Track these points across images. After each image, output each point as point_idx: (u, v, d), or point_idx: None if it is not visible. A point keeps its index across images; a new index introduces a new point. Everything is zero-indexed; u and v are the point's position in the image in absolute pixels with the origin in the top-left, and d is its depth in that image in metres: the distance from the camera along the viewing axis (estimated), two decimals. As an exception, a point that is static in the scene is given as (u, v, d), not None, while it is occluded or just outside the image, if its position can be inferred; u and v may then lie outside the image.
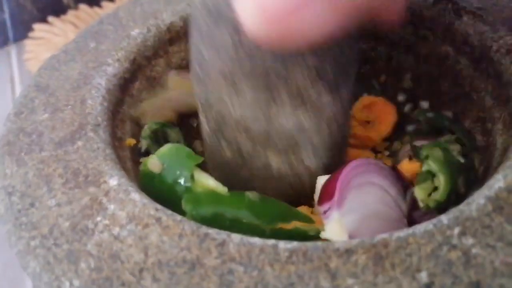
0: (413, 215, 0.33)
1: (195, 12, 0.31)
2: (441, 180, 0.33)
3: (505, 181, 0.27)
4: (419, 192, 0.33)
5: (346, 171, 0.33)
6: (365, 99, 0.42)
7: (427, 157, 0.34)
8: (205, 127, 0.35)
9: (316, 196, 0.34)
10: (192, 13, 0.32)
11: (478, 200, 0.26)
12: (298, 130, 0.33)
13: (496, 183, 0.27)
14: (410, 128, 0.41)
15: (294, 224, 0.31)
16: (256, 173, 0.34)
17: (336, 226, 0.31)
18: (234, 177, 0.35)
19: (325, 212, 0.32)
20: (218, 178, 0.33)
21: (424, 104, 0.41)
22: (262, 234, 0.28)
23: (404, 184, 0.34)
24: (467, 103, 0.38)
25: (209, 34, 0.31)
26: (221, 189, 0.32)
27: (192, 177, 0.32)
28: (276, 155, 0.33)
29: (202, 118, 0.35)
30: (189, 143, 0.40)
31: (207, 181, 0.33)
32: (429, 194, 0.33)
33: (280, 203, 0.33)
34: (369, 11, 0.25)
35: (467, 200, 0.27)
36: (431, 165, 0.34)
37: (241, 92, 0.32)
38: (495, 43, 0.35)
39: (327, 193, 0.33)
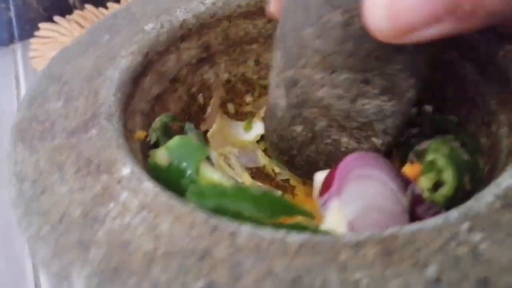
0: (416, 210, 0.33)
1: None
2: (448, 175, 0.33)
3: (513, 180, 0.27)
4: (424, 181, 0.33)
5: (344, 163, 0.33)
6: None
7: (435, 150, 0.34)
8: (280, 101, 0.36)
9: (316, 191, 0.34)
10: None
11: (486, 197, 0.27)
12: (377, 113, 0.34)
13: (505, 181, 0.27)
14: (414, 131, 0.41)
15: (295, 219, 0.32)
16: (323, 148, 0.37)
17: (335, 214, 0.31)
18: (299, 152, 0.38)
19: (324, 203, 0.32)
20: (279, 153, 0.36)
21: (428, 108, 0.41)
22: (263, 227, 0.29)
23: (405, 180, 0.34)
24: (472, 108, 0.38)
25: (315, 11, 0.32)
26: (225, 182, 0.33)
27: (198, 170, 0.33)
28: (348, 133, 0.35)
29: (278, 90, 0.36)
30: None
31: (212, 175, 0.33)
32: (436, 189, 0.33)
33: (282, 198, 0.34)
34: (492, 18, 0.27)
35: (475, 196, 0.27)
36: (439, 160, 0.34)
37: (336, 71, 0.33)
38: (501, 48, 0.35)
39: (326, 185, 0.33)
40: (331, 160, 0.37)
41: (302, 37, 0.33)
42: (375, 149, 0.36)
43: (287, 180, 0.42)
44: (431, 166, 0.34)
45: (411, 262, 0.24)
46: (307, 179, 0.40)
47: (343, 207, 0.31)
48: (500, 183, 0.27)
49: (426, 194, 0.33)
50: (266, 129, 0.40)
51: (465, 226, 0.25)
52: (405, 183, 0.34)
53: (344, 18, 0.31)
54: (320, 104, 0.35)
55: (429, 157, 0.34)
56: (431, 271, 0.24)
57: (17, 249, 0.47)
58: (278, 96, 0.36)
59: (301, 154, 0.38)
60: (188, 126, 0.40)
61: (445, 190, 0.33)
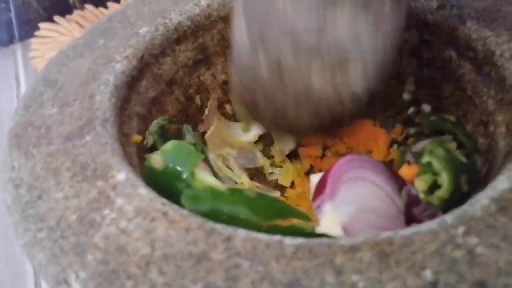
0: (413, 211, 0.33)
1: None
2: (444, 178, 0.33)
3: (509, 182, 0.27)
4: (419, 184, 0.33)
5: (337, 166, 0.33)
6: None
7: (430, 153, 0.34)
8: (242, 39, 0.32)
9: (311, 194, 0.34)
10: None
11: (482, 200, 0.27)
12: (352, 43, 0.30)
13: (500, 184, 0.27)
14: (412, 131, 0.42)
15: (291, 221, 0.32)
16: (293, 96, 0.32)
17: (329, 218, 0.31)
18: (268, 103, 0.34)
19: (318, 206, 0.32)
20: (248, 106, 0.33)
21: (427, 108, 0.41)
22: (258, 230, 0.29)
23: (399, 182, 0.34)
24: (469, 107, 0.38)
25: None
26: (220, 186, 0.33)
27: (192, 174, 0.33)
28: (320, 73, 0.31)
29: (239, 28, 0.32)
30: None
31: (207, 178, 0.33)
32: (432, 191, 0.33)
33: (277, 200, 0.34)
34: None
35: (471, 200, 0.27)
36: (434, 164, 0.34)
37: None
38: (498, 48, 0.35)
39: (320, 188, 0.33)
40: (306, 111, 0.33)
41: None
42: (352, 95, 0.32)
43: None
44: (427, 169, 0.34)
45: (408, 265, 0.24)
46: (280, 135, 0.39)
47: (337, 210, 0.31)
48: (496, 186, 0.27)
49: (422, 196, 0.33)
50: (233, 80, 0.36)
51: (461, 229, 0.25)
52: (401, 184, 0.34)
53: None
54: (286, 36, 0.31)
55: (425, 159, 0.34)
56: (428, 274, 0.24)
57: (17, 249, 0.47)
58: (239, 34, 0.33)
59: (269, 102, 0.34)
60: (186, 128, 0.40)
61: (441, 193, 0.33)
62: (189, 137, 0.40)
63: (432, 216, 0.33)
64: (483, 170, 0.35)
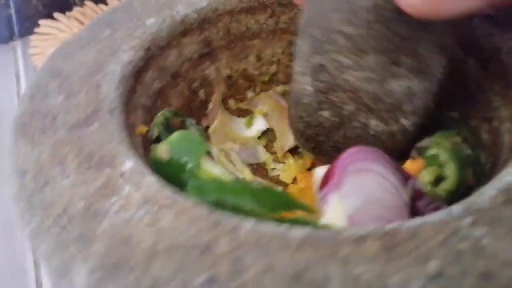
0: (417, 204, 0.33)
1: None
2: (450, 169, 0.33)
3: (516, 174, 0.27)
4: (425, 175, 0.33)
5: (344, 157, 0.33)
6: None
7: (437, 145, 0.34)
8: (307, 88, 0.36)
9: (316, 186, 0.34)
10: None
11: (489, 191, 0.27)
12: (406, 94, 0.34)
13: (507, 176, 0.27)
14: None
15: (296, 214, 0.32)
16: (351, 132, 0.36)
17: (335, 209, 0.31)
18: (327, 138, 0.37)
19: (323, 197, 0.32)
20: (305, 140, 0.37)
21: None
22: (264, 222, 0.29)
23: (404, 175, 0.34)
24: (474, 103, 0.38)
25: None
26: (226, 177, 0.33)
27: (198, 164, 0.33)
28: (376, 115, 0.35)
29: (304, 78, 0.36)
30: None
31: (213, 169, 0.33)
32: (438, 183, 0.33)
33: (283, 193, 0.34)
34: None
35: (477, 191, 0.27)
36: (441, 155, 0.34)
37: (364, 53, 0.33)
38: (504, 45, 0.35)
39: (326, 179, 0.33)
40: (360, 145, 0.36)
41: (329, 22, 0.33)
42: (403, 130, 0.35)
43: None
44: (433, 160, 0.34)
45: (413, 256, 0.24)
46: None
47: (343, 201, 0.31)
48: (502, 178, 0.27)
49: (427, 188, 0.33)
50: (291, 116, 0.39)
51: (467, 220, 0.25)
52: (406, 177, 0.34)
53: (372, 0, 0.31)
54: (347, 88, 0.34)
55: (431, 151, 0.34)
56: (433, 265, 0.24)
57: (17, 245, 0.47)
58: (304, 83, 0.36)
59: (329, 140, 0.38)
60: (189, 122, 0.40)
61: (447, 185, 0.33)
62: (193, 130, 0.40)
63: (436, 210, 0.33)
64: (487, 165, 0.35)
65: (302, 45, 0.35)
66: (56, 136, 0.31)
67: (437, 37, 0.33)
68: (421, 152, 0.36)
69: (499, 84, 0.36)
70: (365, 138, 0.36)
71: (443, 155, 0.34)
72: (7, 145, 0.32)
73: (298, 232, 0.26)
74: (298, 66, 0.36)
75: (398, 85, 0.34)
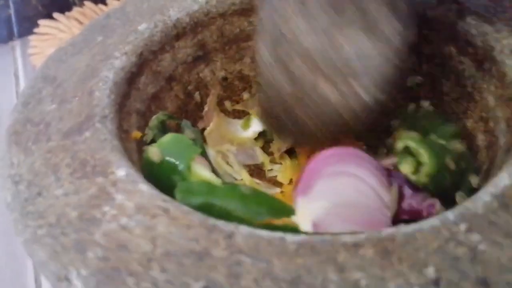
0: (410, 203, 0.33)
1: None
2: (423, 154, 0.33)
3: (510, 179, 0.27)
4: (404, 168, 0.33)
5: (316, 160, 0.33)
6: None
7: (404, 137, 0.34)
8: (268, 59, 0.35)
9: None
10: None
11: (484, 197, 0.27)
12: (360, 57, 0.33)
13: (502, 181, 0.27)
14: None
15: (284, 220, 0.32)
16: (311, 106, 0.34)
17: (300, 213, 0.32)
18: (288, 114, 0.36)
19: (295, 198, 0.33)
20: (269, 118, 0.36)
21: (425, 104, 0.41)
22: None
23: (389, 174, 0.34)
24: (469, 103, 0.38)
25: None
26: (215, 180, 0.33)
27: (189, 167, 0.33)
28: (331, 84, 0.33)
29: (265, 49, 0.35)
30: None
31: (203, 172, 0.33)
32: (418, 170, 0.33)
33: (273, 198, 0.34)
34: None
35: (473, 197, 0.27)
36: (410, 143, 0.34)
37: (312, 15, 0.32)
38: (498, 44, 0.35)
39: (297, 180, 0.33)
40: (321, 121, 0.35)
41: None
42: (364, 105, 0.34)
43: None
44: (405, 153, 0.34)
45: (410, 262, 0.24)
46: (300, 147, 0.40)
47: (309, 206, 0.32)
48: (497, 183, 0.27)
49: (412, 179, 0.33)
50: (258, 96, 0.38)
51: (463, 226, 0.25)
52: (389, 176, 0.34)
53: None
54: (304, 53, 0.33)
55: (400, 145, 0.34)
56: (430, 271, 0.24)
57: (17, 245, 0.47)
58: (266, 54, 0.35)
59: (290, 116, 0.36)
60: (185, 123, 0.40)
61: (426, 169, 0.33)
62: (189, 132, 0.39)
63: (431, 207, 0.33)
64: (483, 168, 0.35)
65: (263, 17, 0.34)
66: (49, 144, 0.31)
67: None
68: (390, 148, 0.36)
69: (494, 84, 0.36)
70: (325, 114, 0.35)
71: (412, 143, 0.34)
72: (1, 152, 0.32)
73: (295, 238, 0.26)
74: (260, 39, 0.35)
75: (349, 46, 0.32)
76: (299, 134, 0.37)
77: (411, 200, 0.34)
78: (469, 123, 0.38)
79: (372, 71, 0.33)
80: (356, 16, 0.32)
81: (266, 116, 0.39)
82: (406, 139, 0.34)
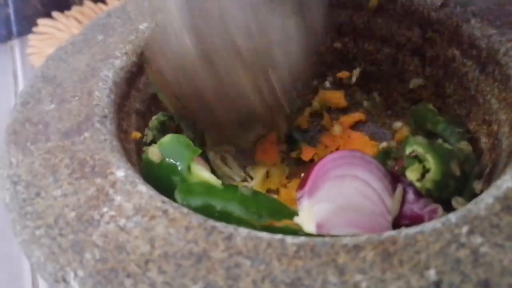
0: (412, 208, 0.33)
1: None
2: (430, 160, 0.33)
3: (513, 181, 0.27)
4: (410, 175, 0.33)
5: (324, 162, 0.33)
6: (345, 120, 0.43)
7: (412, 142, 0.34)
8: (175, 27, 0.32)
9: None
10: None
11: (486, 199, 0.26)
12: (284, 43, 0.32)
13: (504, 183, 0.27)
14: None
15: (285, 222, 0.31)
16: (220, 90, 0.33)
17: (305, 214, 0.32)
18: (195, 96, 0.34)
19: (299, 198, 0.33)
20: (172, 95, 0.33)
21: (429, 106, 0.41)
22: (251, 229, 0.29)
23: (394, 180, 0.34)
24: (472, 106, 0.38)
25: None
26: (215, 181, 0.33)
27: (188, 168, 0.33)
28: (249, 76, 0.32)
29: (170, 15, 0.32)
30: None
31: (203, 173, 0.33)
32: (423, 176, 0.33)
33: (273, 200, 0.34)
34: None
35: (475, 199, 0.27)
36: (418, 149, 0.34)
37: None
38: (502, 46, 0.35)
39: (303, 181, 0.33)
40: (227, 105, 0.33)
41: None
42: (278, 101, 0.33)
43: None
44: (413, 159, 0.34)
45: (411, 265, 0.24)
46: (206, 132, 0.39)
47: (314, 207, 0.32)
48: (500, 185, 0.27)
49: (417, 186, 0.33)
50: (154, 65, 0.35)
51: (465, 229, 0.25)
52: (396, 181, 0.34)
53: None
54: (218, 21, 0.31)
55: (408, 150, 0.34)
56: (432, 274, 0.24)
57: (14, 247, 0.47)
58: (170, 14, 0.33)
59: (197, 95, 0.34)
60: (185, 124, 0.40)
61: (431, 175, 0.33)
62: (189, 133, 0.39)
63: (433, 212, 0.33)
64: (487, 169, 0.35)
65: None
66: (48, 144, 0.31)
67: None
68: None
69: (497, 87, 0.36)
70: (238, 105, 0.33)
71: (420, 149, 0.34)
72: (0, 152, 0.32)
73: (295, 240, 0.25)
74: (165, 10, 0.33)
75: (274, 30, 0.31)
76: (205, 114, 0.35)
77: (413, 206, 0.34)
78: (472, 126, 0.38)
79: (292, 59, 0.32)
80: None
81: (167, 88, 0.35)
82: (414, 145, 0.34)
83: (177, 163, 0.33)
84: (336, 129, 0.43)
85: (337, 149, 0.41)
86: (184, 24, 0.32)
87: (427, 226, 0.25)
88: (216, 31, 0.31)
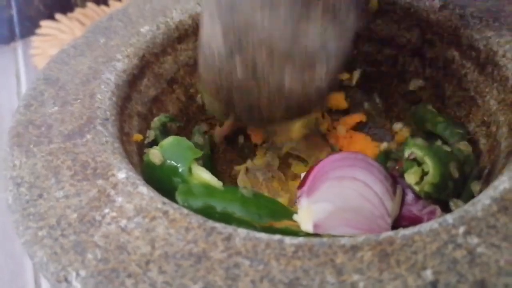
0: (411, 210, 0.33)
1: None
2: (428, 162, 0.34)
3: (510, 183, 0.27)
4: (409, 178, 0.34)
5: (325, 163, 0.33)
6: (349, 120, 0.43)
7: (411, 145, 0.34)
8: (217, 46, 0.34)
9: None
10: None
11: (483, 200, 0.27)
12: (320, 50, 0.33)
13: (501, 184, 0.27)
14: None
15: (285, 223, 0.32)
16: (266, 93, 0.35)
17: (303, 213, 0.32)
18: (243, 100, 0.35)
19: (298, 197, 0.33)
20: (223, 104, 0.35)
21: (429, 107, 0.41)
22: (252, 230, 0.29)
23: (395, 182, 0.34)
24: (472, 107, 0.38)
25: None
26: (216, 183, 0.33)
27: (189, 169, 0.33)
28: (292, 74, 0.34)
29: (213, 35, 0.34)
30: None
31: (203, 175, 0.33)
32: (422, 179, 0.34)
33: (273, 201, 0.34)
34: None
35: (472, 200, 0.27)
36: (417, 152, 0.34)
37: (276, 6, 0.31)
38: (501, 48, 0.35)
39: (303, 180, 0.33)
40: (274, 105, 0.35)
41: None
42: (318, 92, 0.35)
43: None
44: (412, 162, 0.34)
45: (408, 265, 0.24)
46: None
47: (312, 207, 0.32)
48: (497, 186, 0.27)
49: (416, 189, 0.34)
50: (201, 78, 0.37)
51: (461, 229, 0.25)
52: (395, 183, 0.34)
53: None
54: (262, 43, 0.32)
55: (407, 152, 0.34)
56: (428, 274, 0.24)
57: (16, 246, 0.47)
58: (215, 34, 0.34)
59: (244, 99, 0.35)
60: (197, 129, 0.41)
61: (430, 178, 0.33)
62: (198, 138, 0.40)
63: (431, 214, 0.33)
64: (485, 171, 0.35)
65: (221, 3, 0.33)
66: (51, 146, 0.31)
67: None
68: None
69: (496, 88, 0.36)
70: (280, 100, 0.34)
71: (419, 152, 0.34)
72: (3, 154, 0.32)
73: (293, 240, 0.26)
74: (205, 8, 0.34)
75: (312, 40, 0.32)
76: (254, 114, 0.36)
77: (412, 207, 0.34)
78: (471, 127, 0.38)
79: (331, 59, 0.33)
80: (321, 8, 0.32)
81: (217, 98, 0.37)
82: (412, 147, 0.34)
83: (178, 165, 0.33)
84: (340, 130, 0.43)
85: (340, 150, 0.42)
86: (230, 49, 0.34)
87: (424, 226, 0.26)
88: (259, 44, 0.33)
